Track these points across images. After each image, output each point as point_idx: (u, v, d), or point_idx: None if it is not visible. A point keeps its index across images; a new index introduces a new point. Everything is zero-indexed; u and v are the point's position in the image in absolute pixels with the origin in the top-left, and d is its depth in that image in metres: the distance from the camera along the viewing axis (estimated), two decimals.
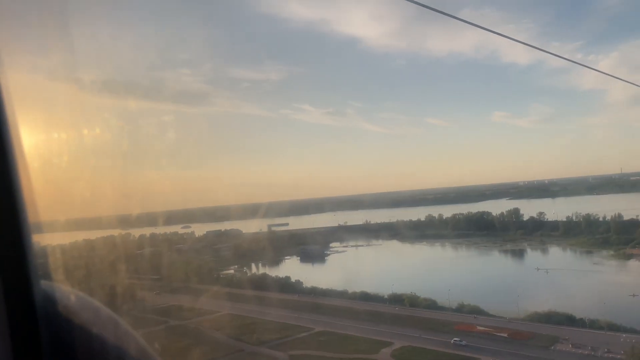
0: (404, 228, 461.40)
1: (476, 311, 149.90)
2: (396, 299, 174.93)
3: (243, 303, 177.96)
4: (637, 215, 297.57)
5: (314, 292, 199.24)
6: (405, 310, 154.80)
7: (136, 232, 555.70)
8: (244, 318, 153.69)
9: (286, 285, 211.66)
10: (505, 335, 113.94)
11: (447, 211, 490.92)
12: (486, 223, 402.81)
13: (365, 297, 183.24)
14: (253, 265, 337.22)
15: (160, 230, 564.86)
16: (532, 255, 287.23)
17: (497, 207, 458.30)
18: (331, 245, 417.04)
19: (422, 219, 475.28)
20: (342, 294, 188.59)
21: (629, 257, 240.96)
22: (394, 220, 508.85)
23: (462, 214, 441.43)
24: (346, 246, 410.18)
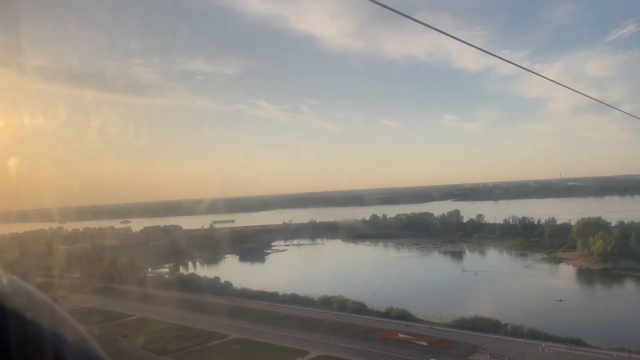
0: (349, 227, 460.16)
1: (403, 316, 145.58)
2: (325, 302, 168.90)
3: (163, 306, 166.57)
4: (570, 220, 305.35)
5: (243, 294, 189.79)
6: (332, 315, 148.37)
7: (70, 226, 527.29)
8: (158, 323, 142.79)
9: (215, 287, 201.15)
10: (425, 343, 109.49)
11: (395, 211, 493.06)
12: (428, 224, 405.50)
13: (294, 299, 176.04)
14: (190, 264, 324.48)
15: (97, 224, 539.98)
16: (469, 257, 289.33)
17: (442, 209, 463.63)
18: (273, 243, 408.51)
19: (367, 218, 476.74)
20: (272, 297, 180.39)
21: (560, 260, 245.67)
22: (339, 219, 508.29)
23: (406, 215, 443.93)
24: (288, 245, 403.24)
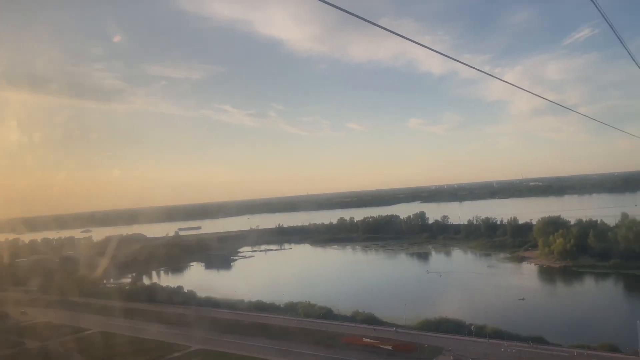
0: (317, 231, 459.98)
1: (370, 320, 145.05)
2: (291, 308, 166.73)
3: (122, 318, 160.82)
4: (531, 219, 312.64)
5: (207, 303, 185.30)
6: (298, 321, 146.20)
7: (27, 237, 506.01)
8: (116, 337, 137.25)
9: (178, 296, 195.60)
10: (390, 347, 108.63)
11: (362, 214, 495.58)
12: (394, 226, 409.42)
13: (260, 307, 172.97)
14: (153, 273, 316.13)
15: (56, 234, 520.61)
16: (435, 258, 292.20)
17: (408, 210, 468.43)
18: (240, 250, 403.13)
19: (335, 222, 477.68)
20: (237, 304, 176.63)
21: (522, 259, 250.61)
22: (307, 223, 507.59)
23: (373, 217, 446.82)
24: (255, 251, 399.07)
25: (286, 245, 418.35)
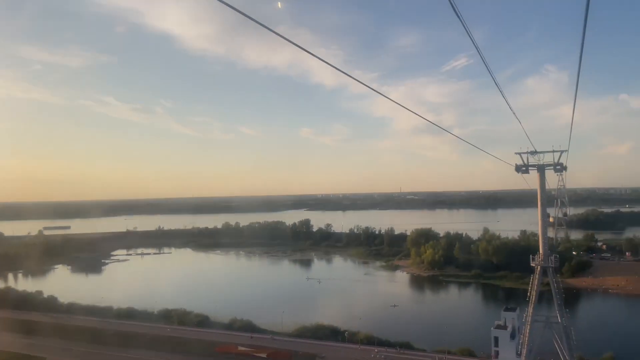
0: (200, 235, 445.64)
1: (247, 327, 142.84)
2: (166, 316, 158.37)
3: None
4: (406, 230, 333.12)
5: (70, 309, 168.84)
6: (172, 330, 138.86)
7: None
8: None
9: (35, 302, 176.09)
10: (265, 355, 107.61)
11: (249, 219, 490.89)
12: (280, 233, 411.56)
13: (131, 314, 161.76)
14: (10, 276, 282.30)
15: None
16: (317, 265, 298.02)
17: (294, 217, 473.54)
18: (114, 253, 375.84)
19: (220, 226, 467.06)
20: (105, 312, 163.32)
21: (396, 268, 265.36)
22: (190, 226, 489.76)
23: (259, 223, 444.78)
24: (131, 254, 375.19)
25: (166, 249, 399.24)
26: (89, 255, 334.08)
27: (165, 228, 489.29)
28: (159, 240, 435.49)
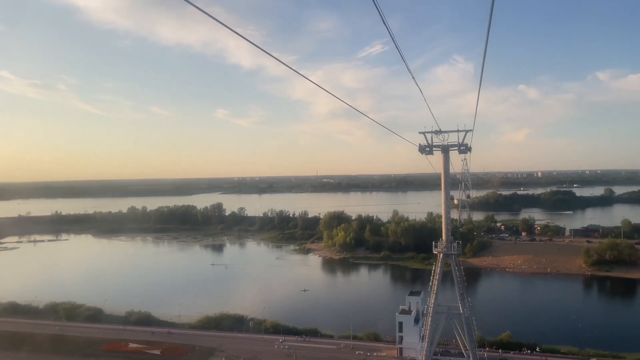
0: (102, 221, 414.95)
1: (145, 319, 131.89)
2: (53, 310, 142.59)
3: None
4: (320, 213, 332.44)
5: None
6: (58, 327, 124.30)
7: None
8: None
9: None
10: (159, 352, 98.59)
11: (158, 203, 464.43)
12: (190, 217, 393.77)
13: (12, 309, 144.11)
14: None
15: None
16: (228, 250, 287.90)
17: (208, 201, 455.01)
18: (2, 240, 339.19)
19: (125, 211, 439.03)
20: None
21: (309, 251, 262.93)
22: (92, 211, 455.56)
23: (168, 207, 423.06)
24: (22, 242, 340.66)
25: (64, 236, 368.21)
26: None
27: (64, 213, 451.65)
28: (56, 226, 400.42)
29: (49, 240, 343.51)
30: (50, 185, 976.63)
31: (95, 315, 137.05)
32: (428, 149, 54.28)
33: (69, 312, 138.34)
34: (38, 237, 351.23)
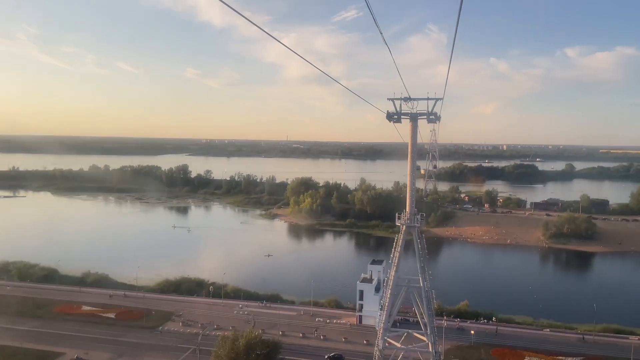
0: (62, 178, 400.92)
1: (102, 281, 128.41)
2: (4, 269, 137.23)
3: None
4: (287, 179, 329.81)
5: None
6: (10, 287, 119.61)
7: None
8: None
9: None
10: (113, 315, 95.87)
11: (121, 162, 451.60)
12: (154, 178, 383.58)
13: None
14: None
15: None
16: (192, 213, 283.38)
17: (174, 162, 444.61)
18: None
19: (86, 169, 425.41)
20: None
21: (275, 217, 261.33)
22: (51, 168, 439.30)
23: (132, 167, 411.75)
24: None
25: (21, 192, 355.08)
26: None
27: (22, 169, 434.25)
28: (13, 182, 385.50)
29: (5, 197, 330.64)
30: (8, 139, 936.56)
31: (49, 276, 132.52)
32: (396, 117, 51.93)
33: (21, 272, 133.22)
34: None
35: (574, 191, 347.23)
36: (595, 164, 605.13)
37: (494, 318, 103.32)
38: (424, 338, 58.59)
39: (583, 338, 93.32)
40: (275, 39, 24.30)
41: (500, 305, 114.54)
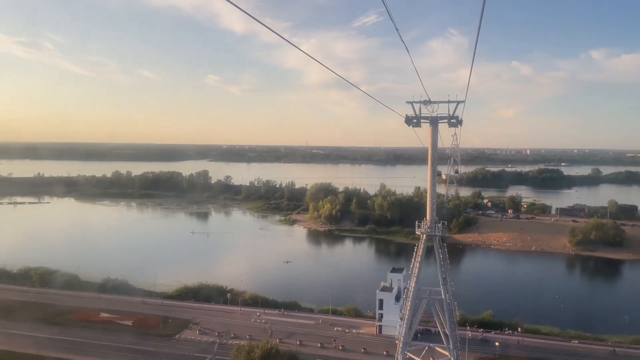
0: (86, 184, 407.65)
1: (121, 287, 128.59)
2: (25, 276, 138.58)
3: None
4: (307, 184, 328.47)
5: None
6: (32, 294, 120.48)
7: None
8: None
9: None
10: (130, 323, 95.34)
11: (144, 168, 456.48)
12: (175, 184, 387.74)
13: None
14: None
15: None
16: (213, 219, 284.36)
17: (195, 168, 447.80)
18: None
19: (109, 175, 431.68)
20: None
21: (294, 222, 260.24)
22: (75, 174, 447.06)
23: (153, 173, 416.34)
24: (2, 203, 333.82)
25: (45, 199, 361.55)
26: None
27: (46, 175, 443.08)
28: (38, 188, 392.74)
29: (30, 203, 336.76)
30: (35, 146, 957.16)
31: (70, 282, 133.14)
32: (415, 121, 49.83)
33: (42, 278, 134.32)
34: (19, 199, 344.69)
35: (600, 196, 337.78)
36: (622, 169, 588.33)
37: (519, 329, 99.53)
38: (446, 353, 56.03)
39: (614, 351, 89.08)
40: (295, 46, 24.00)
41: (526, 315, 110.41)
